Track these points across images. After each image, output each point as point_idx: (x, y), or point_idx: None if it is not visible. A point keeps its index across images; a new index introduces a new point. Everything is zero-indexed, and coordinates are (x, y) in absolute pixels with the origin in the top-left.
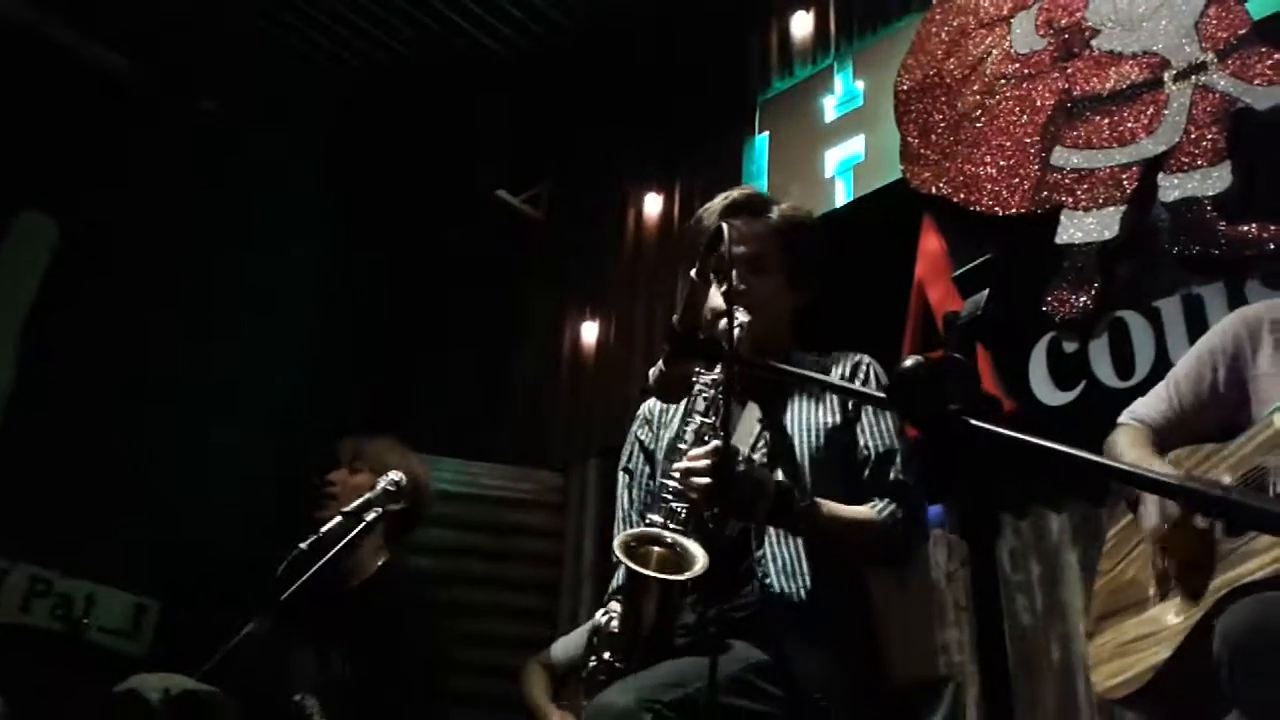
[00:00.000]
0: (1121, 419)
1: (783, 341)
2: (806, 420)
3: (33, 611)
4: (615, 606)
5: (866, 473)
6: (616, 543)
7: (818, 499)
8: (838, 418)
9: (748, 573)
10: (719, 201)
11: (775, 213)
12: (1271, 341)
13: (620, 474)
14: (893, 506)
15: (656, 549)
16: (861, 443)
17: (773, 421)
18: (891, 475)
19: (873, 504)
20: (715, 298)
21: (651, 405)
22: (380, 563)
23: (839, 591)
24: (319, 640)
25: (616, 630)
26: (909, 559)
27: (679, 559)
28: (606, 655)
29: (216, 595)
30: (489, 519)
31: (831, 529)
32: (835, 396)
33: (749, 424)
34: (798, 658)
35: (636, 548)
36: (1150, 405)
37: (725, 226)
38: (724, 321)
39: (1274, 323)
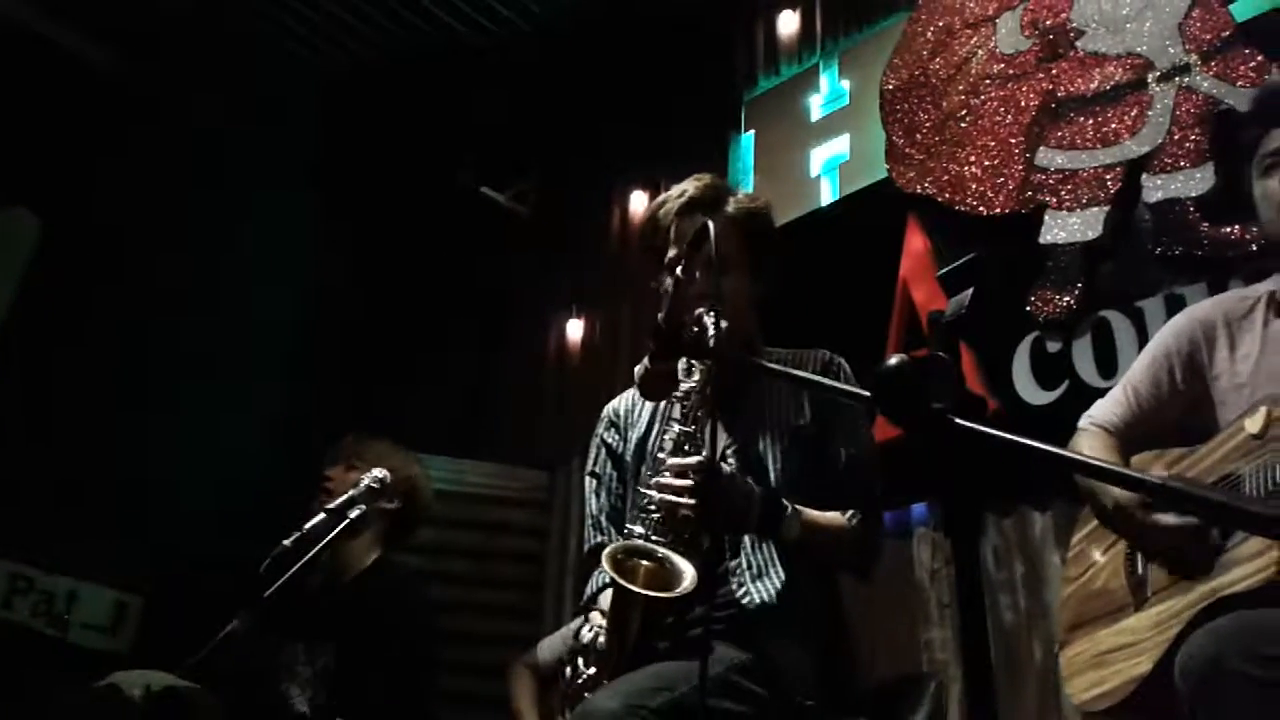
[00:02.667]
0: (1081, 424)
1: (748, 337)
2: (778, 422)
3: (14, 608)
4: (597, 618)
5: (837, 478)
6: (604, 556)
7: (798, 507)
8: (809, 418)
9: (723, 575)
10: (675, 199)
11: (732, 205)
12: (1227, 339)
13: (587, 479)
14: (861, 516)
15: (645, 563)
16: (834, 446)
17: (742, 426)
18: (862, 483)
19: (843, 512)
20: (691, 298)
21: (615, 406)
22: (371, 560)
23: (811, 592)
24: (308, 635)
25: (602, 645)
26: (871, 568)
27: (667, 575)
28: (591, 670)
29: (199, 592)
30: (474, 517)
31: (810, 537)
32: (807, 396)
33: (722, 418)
34: (778, 657)
35: (624, 561)
36: (1108, 409)
37: (710, 224)
38: (705, 320)
39: (1227, 320)
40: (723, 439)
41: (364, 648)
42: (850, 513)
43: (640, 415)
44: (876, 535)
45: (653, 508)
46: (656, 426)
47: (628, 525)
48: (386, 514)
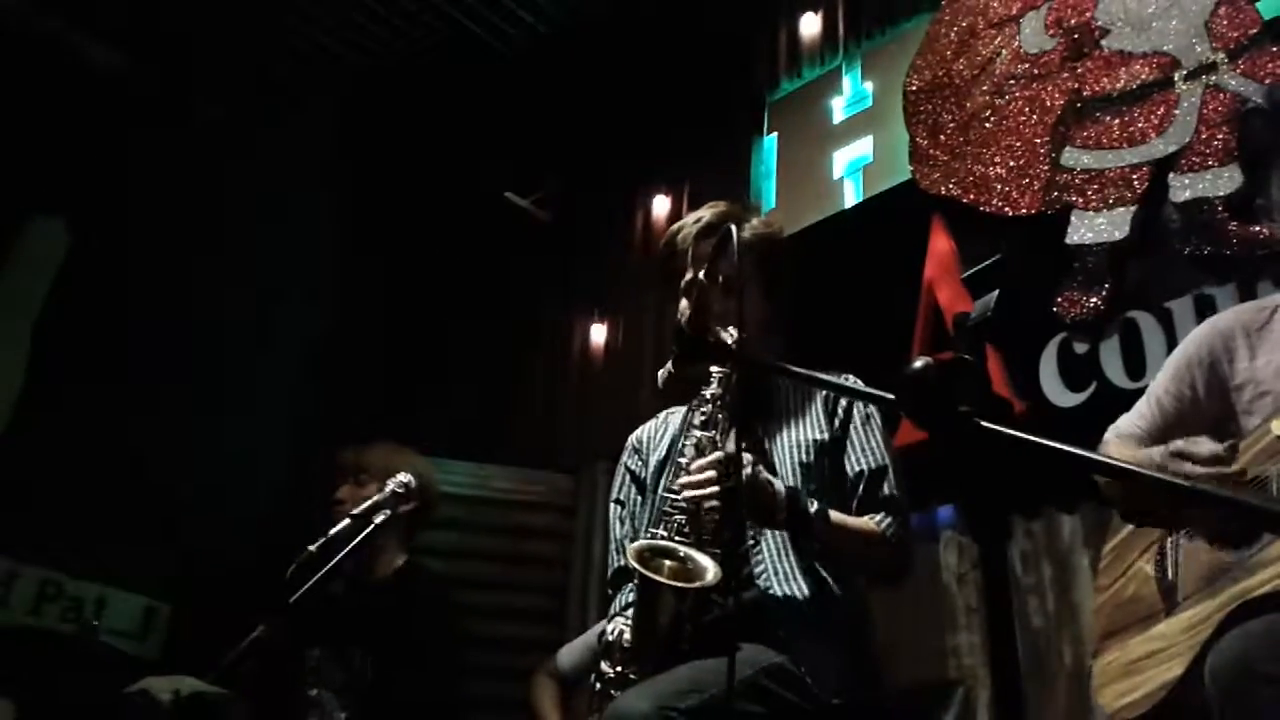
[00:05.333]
0: (1106, 435)
1: (764, 356)
2: (794, 437)
3: (43, 614)
4: (623, 622)
5: (860, 490)
6: (630, 552)
7: (825, 507)
8: (825, 436)
9: (748, 577)
10: (692, 224)
11: (747, 230)
12: (1248, 348)
13: (612, 505)
14: (890, 520)
15: (667, 562)
16: (851, 461)
17: (755, 440)
18: (886, 491)
19: (872, 517)
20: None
21: (639, 434)
22: (399, 564)
23: (837, 593)
24: (337, 639)
25: (629, 643)
26: (904, 575)
27: (689, 571)
28: (620, 668)
29: (226, 597)
30: (498, 521)
31: (839, 537)
32: (823, 415)
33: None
34: (808, 660)
35: (650, 559)
36: (1133, 422)
37: (733, 228)
38: (723, 334)
39: (1246, 330)
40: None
41: (398, 653)
42: (881, 516)
43: (661, 440)
44: (907, 541)
45: (675, 510)
46: (679, 444)
47: (650, 529)
48: (403, 516)
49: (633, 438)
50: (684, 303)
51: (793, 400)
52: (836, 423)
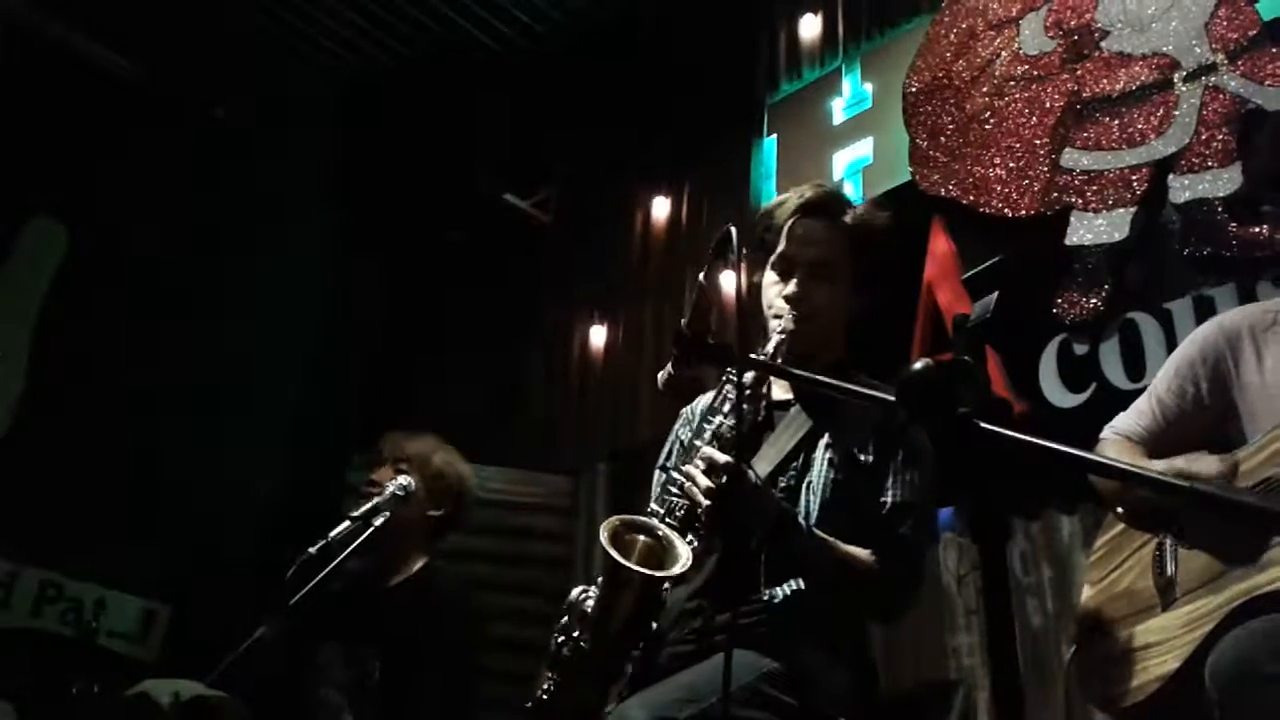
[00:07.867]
0: (1103, 434)
1: (835, 351)
2: (844, 447)
3: (43, 616)
4: (595, 590)
5: (880, 518)
6: (603, 526)
7: (820, 534)
8: (870, 456)
9: (755, 581)
10: (795, 199)
11: (850, 215)
12: (1254, 349)
13: (656, 471)
14: (894, 562)
15: (643, 538)
16: (886, 487)
17: (813, 440)
18: (903, 530)
19: (874, 554)
20: (775, 297)
21: (694, 405)
22: (419, 565)
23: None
24: (350, 638)
25: (589, 611)
26: (894, 616)
27: (663, 553)
28: (575, 634)
29: (226, 599)
30: (497, 523)
31: (828, 567)
32: (873, 434)
33: (790, 431)
34: (808, 665)
35: (624, 533)
36: (1132, 420)
37: (733, 229)
38: (774, 323)
39: (1252, 331)
40: (789, 446)
41: (412, 654)
42: (882, 558)
43: None
44: (907, 586)
45: (672, 490)
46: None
47: (652, 504)
48: (431, 520)
49: (686, 409)
50: (771, 276)
51: (847, 409)
52: (884, 445)
